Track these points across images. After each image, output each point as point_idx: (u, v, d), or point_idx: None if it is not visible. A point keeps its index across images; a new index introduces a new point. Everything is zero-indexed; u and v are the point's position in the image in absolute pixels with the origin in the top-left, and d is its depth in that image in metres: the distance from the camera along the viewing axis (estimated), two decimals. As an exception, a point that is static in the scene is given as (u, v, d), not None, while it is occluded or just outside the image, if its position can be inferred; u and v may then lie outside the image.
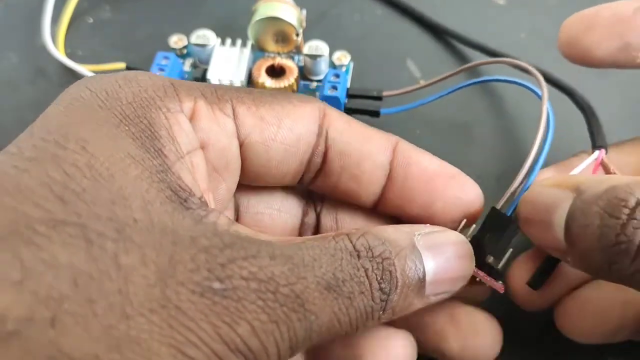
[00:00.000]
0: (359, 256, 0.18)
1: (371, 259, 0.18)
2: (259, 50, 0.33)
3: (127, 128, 0.17)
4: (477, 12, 0.38)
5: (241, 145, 0.20)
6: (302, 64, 0.33)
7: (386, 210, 0.22)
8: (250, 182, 0.21)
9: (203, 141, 0.19)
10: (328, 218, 0.23)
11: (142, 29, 0.37)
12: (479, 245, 0.21)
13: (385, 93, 0.30)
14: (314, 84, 0.32)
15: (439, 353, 0.22)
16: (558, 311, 0.23)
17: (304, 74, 0.33)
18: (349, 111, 0.31)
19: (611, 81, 0.34)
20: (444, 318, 0.22)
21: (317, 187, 0.22)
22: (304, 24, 0.32)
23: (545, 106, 0.23)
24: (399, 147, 0.21)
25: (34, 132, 0.17)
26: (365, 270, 0.18)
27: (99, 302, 0.14)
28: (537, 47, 0.36)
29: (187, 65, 0.33)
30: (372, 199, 0.22)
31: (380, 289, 0.18)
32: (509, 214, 0.21)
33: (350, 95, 0.31)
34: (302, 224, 0.23)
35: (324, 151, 0.21)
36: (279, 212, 0.23)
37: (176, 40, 0.33)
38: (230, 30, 0.34)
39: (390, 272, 0.18)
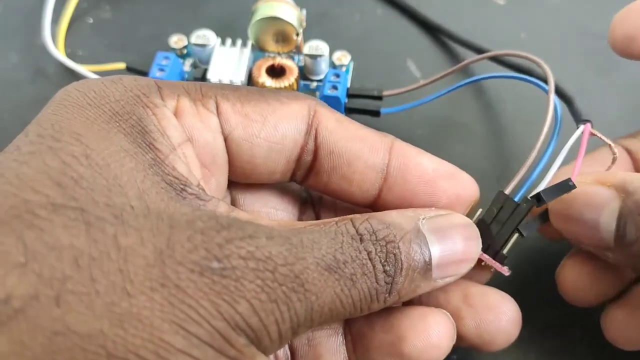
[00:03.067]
0: (361, 239, 0.18)
1: (375, 242, 0.18)
2: (259, 50, 0.33)
3: (117, 124, 0.17)
4: (477, 11, 0.38)
5: (225, 141, 0.20)
6: (302, 63, 0.33)
7: (386, 209, 0.22)
8: (238, 180, 0.21)
9: (188, 137, 0.19)
10: (327, 216, 0.23)
11: (142, 29, 0.37)
12: (484, 228, 0.21)
13: (385, 93, 0.30)
14: (314, 84, 0.32)
15: (457, 337, 0.21)
16: (604, 319, 0.23)
17: (304, 73, 0.33)
18: (349, 111, 0.31)
19: (611, 81, 0.34)
20: (457, 298, 0.21)
21: (309, 186, 0.22)
22: (304, 24, 0.32)
23: (552, 95, 0.23)
24: (395, 147, 0.21)
25: (29, 133, 0.17)
26: (368, 253, 0.18)
27: (101, 281, 0.14)
28: (537, 47, 0.36)
29: (187, 65, 0.33)
30: (367, 199, 0.22)
31: (385, 272, 0.18)
32: (516, 199, 0.21)
33: (350, 95, 0.31)
34: (300, 221, 0.23)
35: (314, 150, 0.21)
36: (276, 211, 0.23)
37: (176, 40, 0.33)
38: (230, 30, 0.34)
39: (395, 255, 0.18)
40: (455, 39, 0.35)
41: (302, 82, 0.32)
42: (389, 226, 0.18)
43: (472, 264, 0.20)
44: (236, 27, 0.35)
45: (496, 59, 0.33)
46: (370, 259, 0.18)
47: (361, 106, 0.31)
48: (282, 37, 0.32)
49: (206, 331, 0.15)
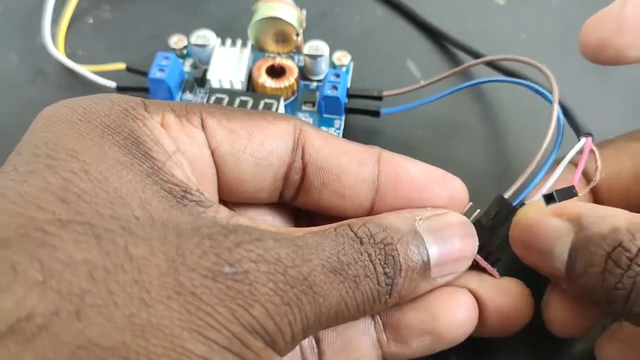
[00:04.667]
0: (361, 242, 0.18)
1: (373, 245, 0.18)
2: (259, 50, 0.33)
3: (111, 137, 0.18)
4: (477, 12, 0.38)
5: (212, 156, 0.20)
6: (302, 64, 0.33)
7: None
8: (225, 197, 0.21)
9: (175, 150, 0.19)
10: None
11: (142, 29, 0.37)
12: (480, 229, 0.22)
13: (385, 93, 0.30)
14: (314, 84, 0.32)
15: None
16: (598, 351, 0.23)
17: (304, 73, 0.33)
18: (349, 111, 0.31)
19: (611, 82, 0.34)
20: (474, 283, 0.22)
21: (300, 204, 0.22)
22: (304, 24, 0.32)
23: (556, 104, 0.23)
24: (383, 157, 0.21)
25: (22, 152, 0.17)
26: (369, 255, 0.18)
27: (118, 293, 0.14)
28: (537, 47, 0.36)
29: (187, 66, 0.33)
30: (361, 213, 0.22)
31: (385, 273, 0.18)
32: (514, 204, 0.22)
33: (350, 95, 0.31)
34: (298, 228, 0.23)
35: (302, 168, 0.21)
36: (272, 220, 0.23)
37: (176, 41, 0.33)
38: (230, 31, 0.34)
39: (393, 256, 0.18)
40: (453, 42, 0.35)
41: (302, 82, 0.32)
42: (385, 229, 0.19)
43: (470, 261, 0.21)
44: (236, 28, 0.35)
45: (499, 63, 0.32)
46: (371, 261, 0.18)
47: (361, 106, 0.31)
48: (282, 38, 0.32)
49: (225, 337, 0.15)
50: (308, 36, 0.32)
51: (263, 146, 0.20)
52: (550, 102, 0.24)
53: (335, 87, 0.30)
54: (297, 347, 0.21)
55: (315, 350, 0.21)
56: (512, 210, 0.21)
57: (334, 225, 0.19)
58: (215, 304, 0.15)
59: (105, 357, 0.14)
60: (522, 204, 0.21)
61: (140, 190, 0.17)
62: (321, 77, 0.32)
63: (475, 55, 0.34)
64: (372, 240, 0.18)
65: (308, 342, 0.21)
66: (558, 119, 0.24)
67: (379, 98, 0.30)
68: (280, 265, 0.16)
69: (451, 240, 0.20)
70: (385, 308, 0.19)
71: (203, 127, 0.20)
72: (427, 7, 0.37)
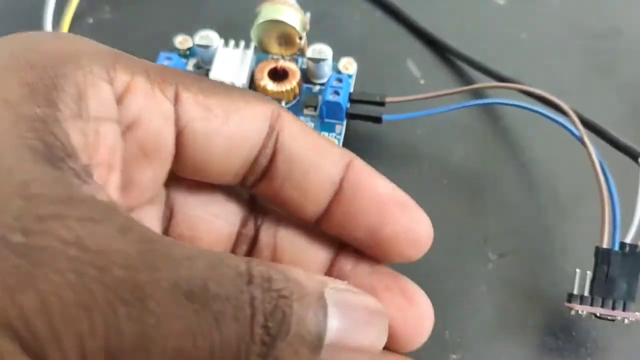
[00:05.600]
0: (249, 281, 0.14)
1: (265, 291, 0.14)
2: (262, 51, 0.33)
3: (22, 73, 0.15)
4: (477, 11, 0.38)
5: (180, 134, 0.18)
6: (305, 66, 0.33)
7: (330, 229, 0.20)
8: (187, 175, 0.20)
9: (134, 118, 0.17)
10: (268, 232, 0.22)
11: (143, 30, 0.37)
12: (605, 286, 0.23)
13: (388, 99, 0.30)
14: (317, 87, 0.32)
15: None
16: None
17: (307, 76, 0.33)
18: (351, 116, 0.31)
19: (611, 82, 0.34)
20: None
21: (259, 192, 0.21)
22: (308, 27, 0.32)
23: (590, 146, 0.25)
24: (353, 164, 0.20)
25: None
26: (252, 299, 0.14)
27: None
28: (537, 47, 0.36)
29: (190, 65, 0.33)
30: (316, 212, 0.20)
31: (265, 327, 0.14)
32: (616, 249, 0.23)
33: (352, 100, 0.31)
34: (239, 234, 0.22)
35: (272, 154, 0.20)
36: (216, 218, 0.21)
37: (181, 41, 0.33)
38: (233, 32, 0.34)
39: (285, 312, 0.14)
40: (456, 54, 0.35)
41: (305, 86, 0.32)
42: (289, 280, 0.15)
43: (370, 358, 0.16)
44: (240, 29, 0.35)
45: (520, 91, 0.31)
46: (251, 305, 0.14)
47: (363, 112, 0.31)
48: (286, 40, 0.32)
49: None
50: (309, 37, 0.32)
51: (239, 127, 0.19)
52: (578, 138, 0.26)
53: (337, 93, 0.30)
54: None
55: None
56: (622, 255, 0.23)
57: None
58: None
59: None
60: (623, 244, 0.23)
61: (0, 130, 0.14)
62: (324, 80, 0.32)
63: (478, 67, 0.34)
64: (267, 284, 0.14)
65: None
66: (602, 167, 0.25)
67: (382, 104, 0.30)
68: (102, 259, 0.12)
69: (359, 325, 0.16)
70: None
71: (176, 100, 0.18)
72: (427, 7, 0.37)
